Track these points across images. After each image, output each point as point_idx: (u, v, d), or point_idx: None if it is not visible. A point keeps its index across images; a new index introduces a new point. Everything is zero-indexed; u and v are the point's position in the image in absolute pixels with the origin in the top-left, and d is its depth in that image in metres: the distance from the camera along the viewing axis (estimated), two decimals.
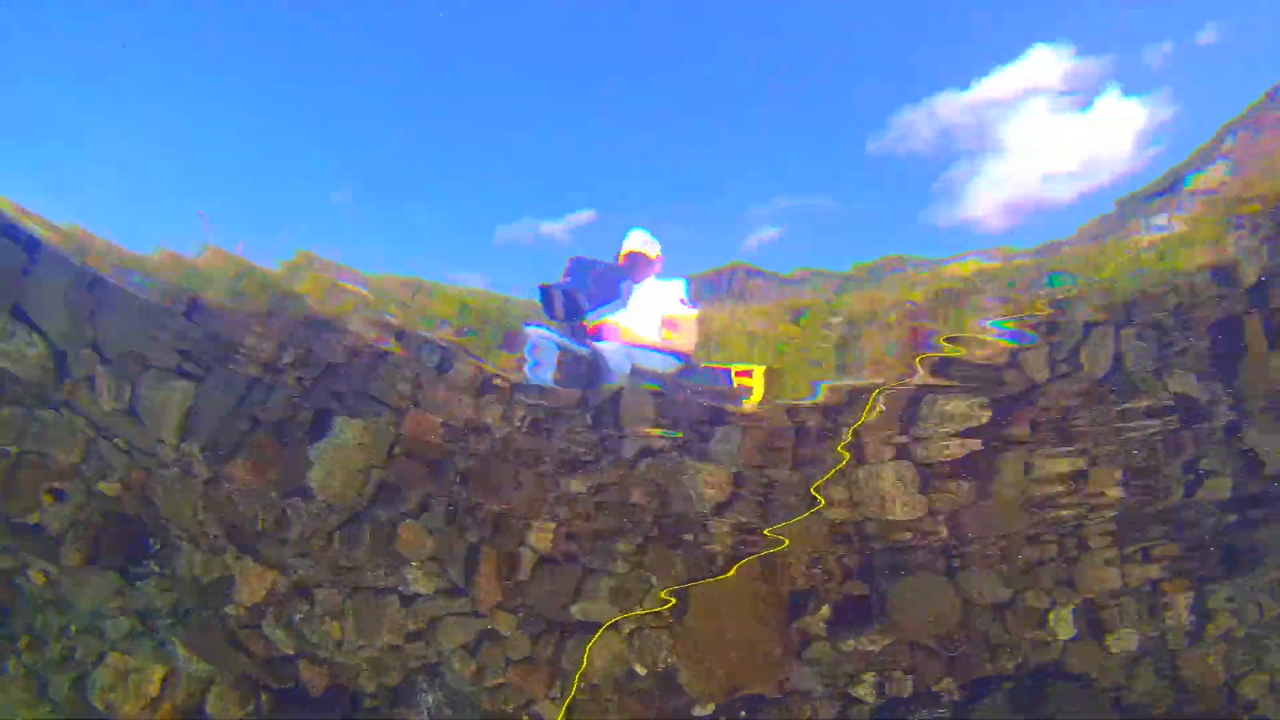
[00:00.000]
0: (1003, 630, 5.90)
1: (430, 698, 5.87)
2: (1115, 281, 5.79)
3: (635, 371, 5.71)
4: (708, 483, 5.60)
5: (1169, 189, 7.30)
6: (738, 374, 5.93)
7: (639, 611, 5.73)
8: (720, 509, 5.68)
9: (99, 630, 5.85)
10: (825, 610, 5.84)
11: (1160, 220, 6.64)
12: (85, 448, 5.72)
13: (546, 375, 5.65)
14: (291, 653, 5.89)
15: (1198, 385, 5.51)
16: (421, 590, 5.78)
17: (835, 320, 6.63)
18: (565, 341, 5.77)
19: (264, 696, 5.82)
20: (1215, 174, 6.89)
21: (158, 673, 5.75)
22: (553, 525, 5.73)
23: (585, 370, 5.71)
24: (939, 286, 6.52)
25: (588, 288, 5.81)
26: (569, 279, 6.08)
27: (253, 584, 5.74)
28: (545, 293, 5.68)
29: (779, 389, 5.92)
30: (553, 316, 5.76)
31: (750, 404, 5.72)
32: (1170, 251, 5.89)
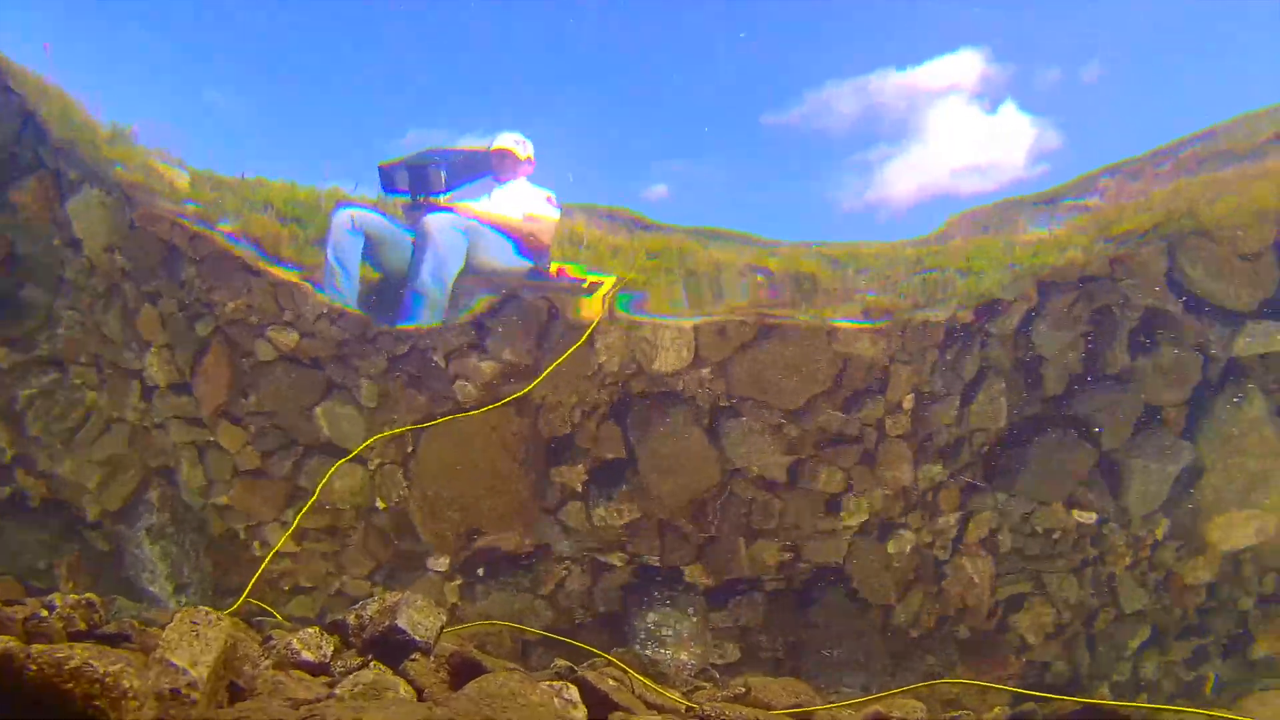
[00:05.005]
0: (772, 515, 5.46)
1: (154, 517, 5.53)
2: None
3: (471, 268, 5.19)
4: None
5: (1049, 202, 8.69)
6: (590, 283, 5.65)
7: (393, 431, 5.35)
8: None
9: None
10: (582, 468, 5.47)
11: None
12: None
13: (346, 285, 5.11)
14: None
15: None
16: (158, 380, 5.47)
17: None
18: (377, 219, 5.19)
19: None
20: (1092, 203, 8.15)
21: None
22: (296, 336, 5.37)
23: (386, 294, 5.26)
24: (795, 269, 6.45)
25: (449, 164, 5.12)
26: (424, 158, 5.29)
27: None
28: (386, 171, 4.99)
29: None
30: (392, 194, 5.20)
31: (590, 311, 5.40)
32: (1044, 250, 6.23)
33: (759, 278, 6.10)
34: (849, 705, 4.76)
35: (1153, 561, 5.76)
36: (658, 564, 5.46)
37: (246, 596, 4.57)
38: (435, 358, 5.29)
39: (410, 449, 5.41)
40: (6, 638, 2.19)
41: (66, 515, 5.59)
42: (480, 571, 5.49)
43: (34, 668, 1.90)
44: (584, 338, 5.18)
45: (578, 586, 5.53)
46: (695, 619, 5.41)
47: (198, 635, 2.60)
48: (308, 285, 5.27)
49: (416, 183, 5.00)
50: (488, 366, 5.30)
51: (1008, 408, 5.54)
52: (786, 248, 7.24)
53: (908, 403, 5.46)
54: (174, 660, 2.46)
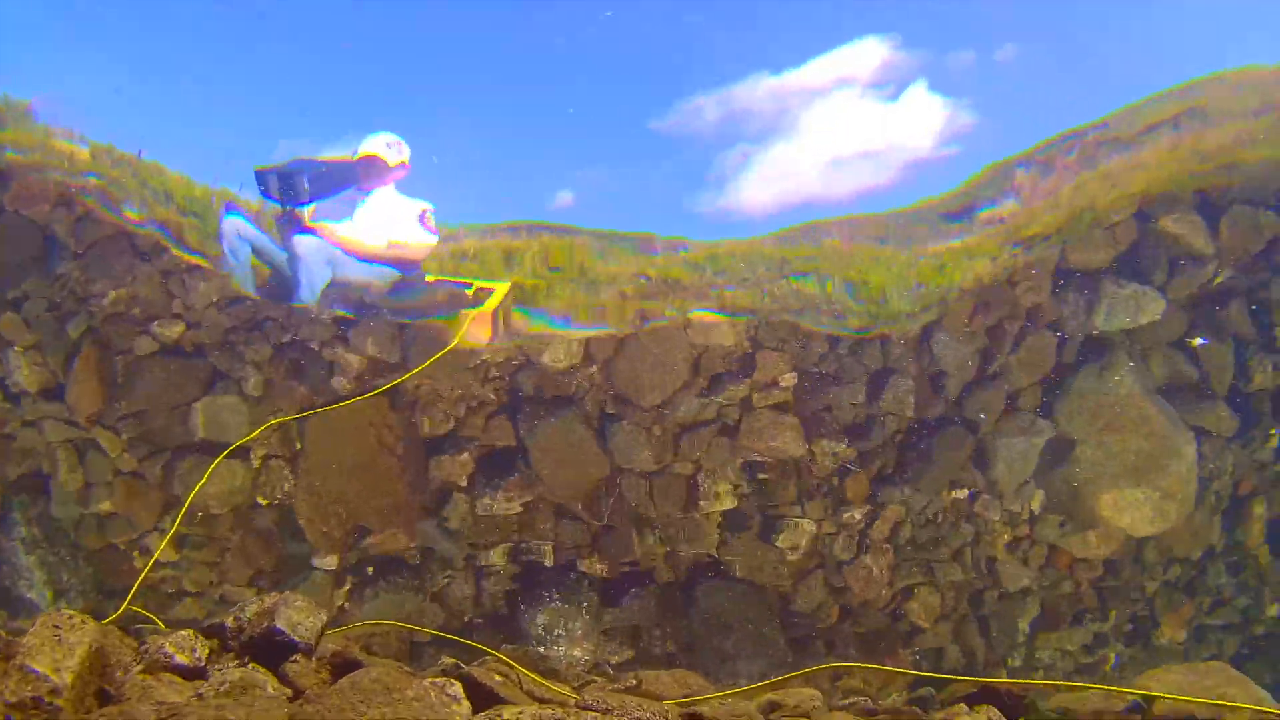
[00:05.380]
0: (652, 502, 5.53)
1: (24, 530, 5.32)
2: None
3: (335, 284, 5.23)
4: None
5: (964, 213, 8.66)
6: (477, 289, 5.62)
7: (269, 423, 5.26)
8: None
9: None
10: (467, 458, 5.43)
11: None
12: None
13: (242, 274, 5.24)
14: None
15: None
16: (26, 386, 5.28)
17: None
18: (258, 235, 5.31)
19: None
20: (1006, 209, 8.28)
21: None
22: (181, 327, 5.27)
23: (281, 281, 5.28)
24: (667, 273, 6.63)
25: (314, 174, 5.08)
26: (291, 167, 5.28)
27: None
28: (260, 175, 5.03)
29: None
30: (267, 198, 5.20)
31: (482, 310, 5.39)
32: (950, 265, 6.37)
33: (642, 281, 6.40)
34: (741, 693, 4.75)
35: (1033, 537, 5.95)
36: (550, 561, 5.51)
37: (129, 604, 4.46)
38: (314, 345, 5.32)
39: (298, 445, 5.37)
40: None
41: None
42: (370, 570, 5.45)
43: None
44: (446, 350, 5.22)
45: (466, 589, 5.52)
46: (588, 616, 5.42)
47: (60, 640, 2.54)
48: (210, 267, 5.33)
49: (285, 190, 4.99)
50: (355, 359, 5.29)
51: (915, 404, 5.68)
52: (661, 257, 7.53)
53: (786, 380, 5.52)
54: (34, 666, 2.41)
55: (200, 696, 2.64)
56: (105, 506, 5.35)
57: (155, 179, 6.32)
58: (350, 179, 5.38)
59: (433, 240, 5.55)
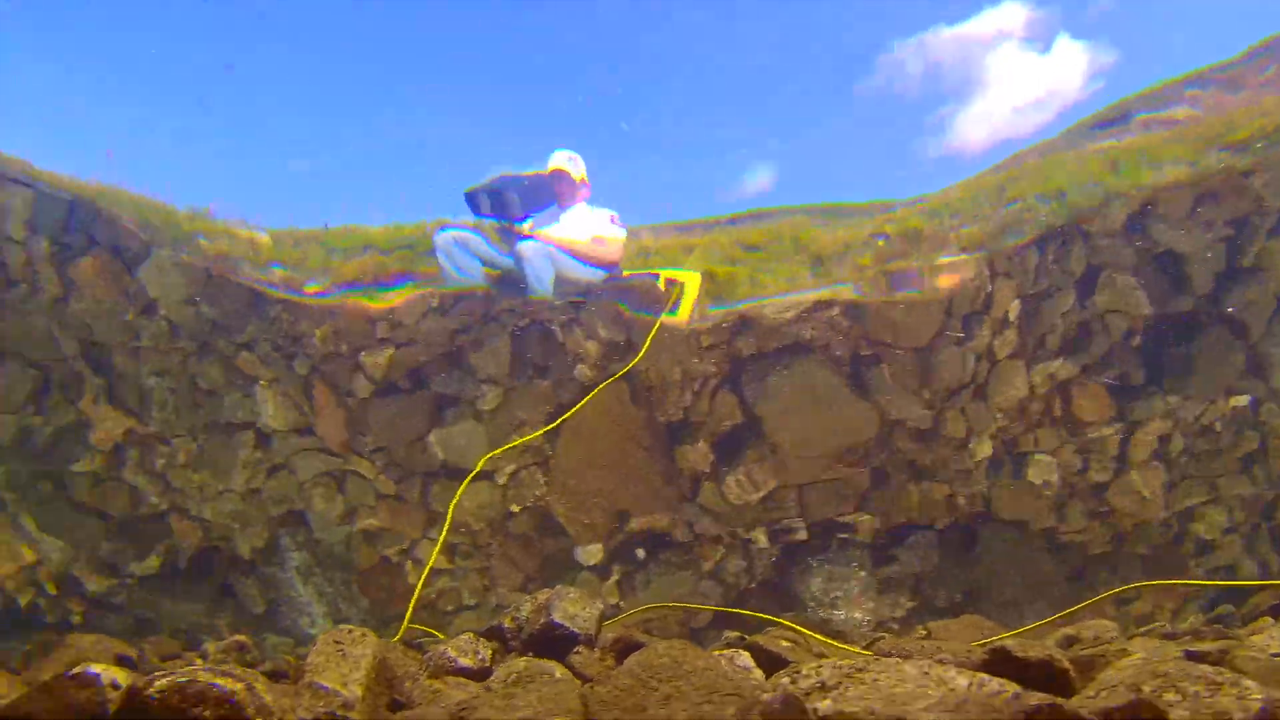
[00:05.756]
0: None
1: (296, 557, 5.58)
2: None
3: (560, 280, 5.46)
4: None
5: (1119, 119, 8.62)
6: (665, 280, 5.66)
7: (512, 443, 5.24)
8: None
9: None
10: (704, 445, 5.33)
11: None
12: None
13: (466, 278, 5.50)
14: (159, 502, 5.56)
15: None
16: (276, 425, 5.45)
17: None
18: (483, 243, 5.59)
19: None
20: (1178, 112, 8.11)
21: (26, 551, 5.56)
22: (389, 353, 5.33)
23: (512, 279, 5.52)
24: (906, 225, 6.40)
25: (519, 189, 5.51)
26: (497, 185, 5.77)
27: (108, 425, 5.44)
28: (471, 196, 5.43)
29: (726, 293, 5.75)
30: (480, 216, 5.54)
31: (679, 318, 5.40)
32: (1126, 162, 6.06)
33: (880, 242, 6.17)
34: (1033, 630, 4.65)
35: None
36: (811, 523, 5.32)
37: (409, 620, 4.55)
38: (554, 329, 5.33)
39: (548, 450, 5.35)
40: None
41: (219, 576, 5.65)
42: (640, 553, 5.39)
43: (156, 697, 1.79)
44: (656, 325, 5.23)
45: (738, 562, 5.38)
46: (863, 574, 5.26)
47: (344, 654, 2.47)
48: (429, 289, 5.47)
49: (497, 206, 5.37)
50: (593, 346, 5.28)
51: (1147, 300, 5.28)
52: (900, 210, 7.34)
53: (1013, 311, 5.29)
54: (323, 683, 2.33)
55: (489, 689, 2.52)
56: (372, 523, 5.46)
57: (350, 239, 6.58)
58: (549, 193, 5.79)
59: (623, 234, 5.91)
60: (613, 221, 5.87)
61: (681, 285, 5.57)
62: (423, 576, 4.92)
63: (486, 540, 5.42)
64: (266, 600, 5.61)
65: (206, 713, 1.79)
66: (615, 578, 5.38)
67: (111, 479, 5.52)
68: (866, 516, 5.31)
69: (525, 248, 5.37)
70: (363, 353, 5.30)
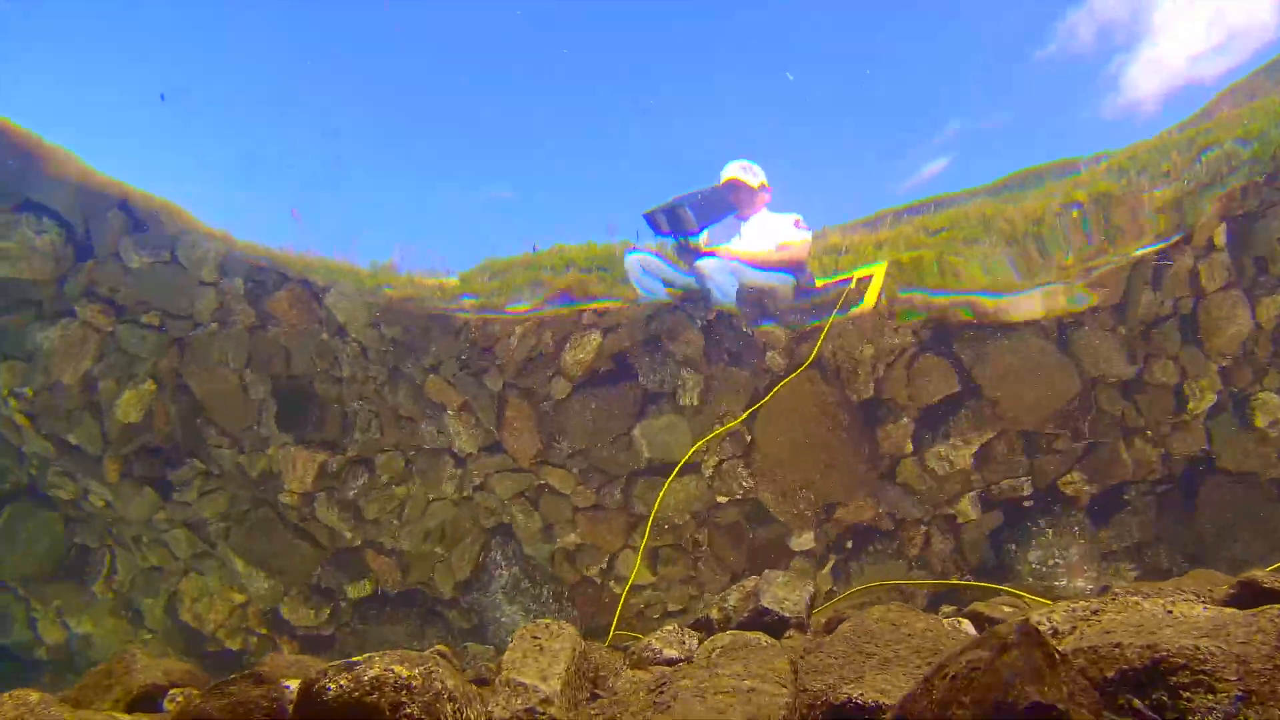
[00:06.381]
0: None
1: (504, 574, 5.65)
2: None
3: (743, 291, 5.47)
4: None
5: None
6: (858, 279, 5.59)
7: (717, 431, 5.22)
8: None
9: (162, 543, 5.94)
10: (906, 421, 5.19)
11: None
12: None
13: (658, 291, 5.62)
14: (351, 538, 5.69)
15: None
16: (466, 448, 5.55)
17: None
18: (662, 265, 5.67)
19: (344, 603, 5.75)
20: None
21: (235, 595, 5.82)
22: (596, 340, 5.36)
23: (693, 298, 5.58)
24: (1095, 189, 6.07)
25: (694, 204, 5.51)
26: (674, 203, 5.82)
27: (301, 467, 5.62)
28: (649, 217, 5.52)
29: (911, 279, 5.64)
30: (660, 235, 5.61)
31: (864, 307, 5.37)
32: None
33: (1074, 213, 5.87)
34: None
35: None
36: (1028, 491, 5.09)
37: (615, 627, 4.49)
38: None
39: (748, 438, 5.26)
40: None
41: (424, 600, 5.74)
42: (848, 545, 5.25)
43: (333, 688, 1.72)
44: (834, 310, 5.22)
45: (945, 543, 5.19)
46: (1083, 540, 5.03)
47: (541, 649, 2.37)
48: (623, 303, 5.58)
49: (674, 224, 5.41)
50: (782, 332, 5.26)
51: None
52: (1085, 173, 7.02)
53: (1218, 235, 4.97)
54: (521, 679, 2.23)
55: (690, 661, 2.35)
56: (571, 539, 5.45)
57: (559, 258, 6.70)
58: (726, 204, 5.75)
59: (809, 235, 5.83)
60: (797, 225, 5.80)
61: (869, 278, 5.48)
62: (627, 585, 4.89)
63: (693, 534, 5.36)
64: (472, 623, 5.66)
65: (383, 700, 1.71)
66: (830, 565, 5.25)
67: (310, 519, 5.74)
68: (1079, 478, 5.05)
69: (705, 265, 5.43)
70: (568, 343, 5.38)
